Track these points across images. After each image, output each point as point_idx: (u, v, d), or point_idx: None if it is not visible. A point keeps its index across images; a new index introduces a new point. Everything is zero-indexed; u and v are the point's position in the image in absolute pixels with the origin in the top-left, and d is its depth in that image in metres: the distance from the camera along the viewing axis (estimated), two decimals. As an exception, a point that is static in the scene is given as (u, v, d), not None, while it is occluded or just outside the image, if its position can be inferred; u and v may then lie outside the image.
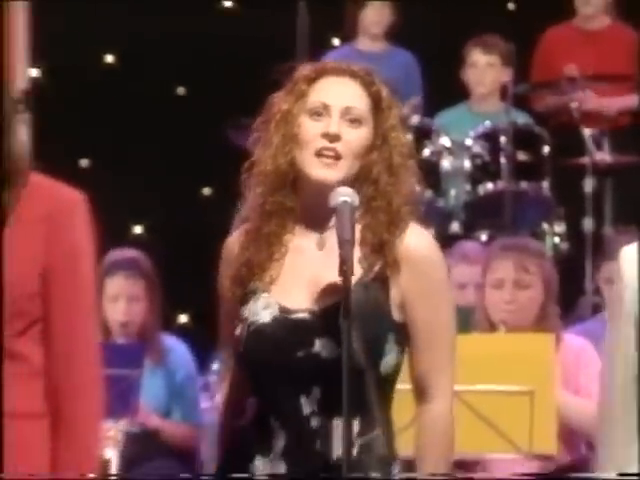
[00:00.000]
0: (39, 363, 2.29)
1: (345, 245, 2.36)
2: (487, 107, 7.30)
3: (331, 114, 2.51)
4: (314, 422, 2.51)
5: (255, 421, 2.60)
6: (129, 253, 5.50)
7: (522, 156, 6.96)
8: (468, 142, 6.85)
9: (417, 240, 2.53)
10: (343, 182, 2.43)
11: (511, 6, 8.16)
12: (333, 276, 2.38)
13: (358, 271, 2.46)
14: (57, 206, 2.33)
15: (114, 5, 8.63)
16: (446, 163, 6.78)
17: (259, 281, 2.57)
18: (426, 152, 6.63)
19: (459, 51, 7.16)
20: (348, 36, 7.69)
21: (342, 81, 2.59)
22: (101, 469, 4.64)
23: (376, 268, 2.52)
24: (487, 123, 7.04)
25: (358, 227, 2.50)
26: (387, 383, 2.53)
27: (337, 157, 2.46)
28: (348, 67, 2.63)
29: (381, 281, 2.53)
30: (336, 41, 8.43)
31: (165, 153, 8.23)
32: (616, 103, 7.35)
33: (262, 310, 2.54)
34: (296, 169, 2.46)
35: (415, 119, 6.84)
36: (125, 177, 7.86)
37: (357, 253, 2.50)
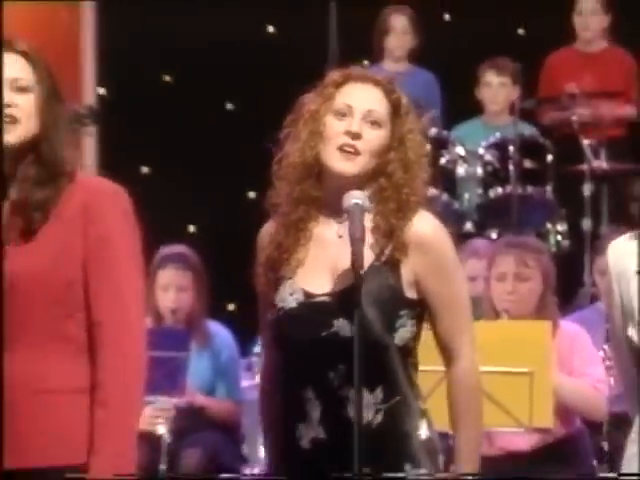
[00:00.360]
0: (83, 343, 2.32)
1: (356, 243, 2.37)
2: (498, 121, 7.22)
3: (354, 115, 2.52)
4: (344, 392, 2.49)
5: (292, 394, 2.60)
6: (178, 249, 5.47)
7: (528, 164, 6.89)
8: (480, 151, 6.83)
9: (424, 224, 2.53)
10: (360, 176, 2.47)
11: (521, 31, 8.01)
12: (349, 262, 2.40)
13: (370, 255, 2.50)
14: (91, 198, 2.42)
15: (170, 29, 8.67)
16: (461, 170, 6.76)
17: (287, 265, 2.59)
18: (443, 160, 6.64)
19: (474, 72, 7.07)
20: (376, 58, 7.44)
21: (366, 87, 2.59)
22: (153, 444, 4.49)
23: (387, 252, 2.53)
24: (497, 134, 6.96)
25: (370, 216, 2.53)
26: (406, 352, 2.54)
27: (356, 153, 2.48)
28: (372, 75, 2.61)
29: (392, 264, 2.54)
30: (366, 63, 8.40)
31: (215, 161, 8.24)
32: (611, 113, 7.15)
33: (289, 296, 2.56)
34: (320, 162, 2.48)
35: (433, 131, 6.61)
36: (180, 182, 7.62)
37: (370, 239, 2.53)
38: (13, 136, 2.44)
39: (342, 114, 2.54)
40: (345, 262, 2.46)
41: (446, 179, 6.61)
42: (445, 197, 6.58)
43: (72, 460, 2.36)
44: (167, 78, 8.33)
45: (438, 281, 2.57)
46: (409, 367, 2.56)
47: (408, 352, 2.56)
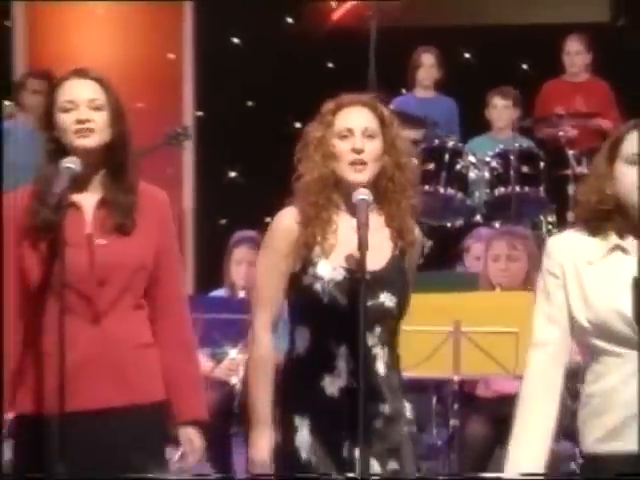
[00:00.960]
0: (152, 311, 2.61)
1: (362, 227, 2.49)
2: (502, 135, 7.15)
3: (354, 134, 2.62)
4: (375, 350, 2.63)
5: (322, 351, 2.68)
6: (251, 233, 5.39)
7: (525, 169, 6.85)
8: (487, 159, 6.78)
9: (418, 231, 2.74)
10: (369, 181, 2.60)
11: (525, 66, 7.97)
12: (371, 247, 2.55)
13: (390, 245, 2.66)
14: (160, 208, 2.68)
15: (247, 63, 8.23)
16: (472, 174, 6.70)
17: (320, 249, 2.65)
18: (458, 166, 6.57)
19: (484, 97, 7.11)
20: (409, 87, 7.58)
21: (356, 109, 2.68)
22: (227, 393, 4.49)
23: (399, 245, 2.66)
24: (501, 146, 6.90)
25: (378, 213, 2.70)
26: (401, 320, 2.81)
27: (363, 164, 2.60)
28: (359, 98, 2.75)
29: (402, 254, 2.67)
30: (403, 90, 8.26)
31: (290, 168, 8.14)
32: (591, 129, 7.27)
33: (332, 270, 2.61)
34: (337, 176, 2.58)
35: (451, 143, 6.71)
36: (260, 183, 7.68)
37: (387, 233, 2.69)
38: (91, 142, 2.59)
39: (344, 136, 2.63)
40: (369, 247, 2.60)
41: (461, 181, 6.56)
42: (460, 195, 6.54)
43: (159, 397, 2.61)
44: (250, 103, 8.41)
45: (412, 269, 2.83)
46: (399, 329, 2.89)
47: (402, 316, 2.77)
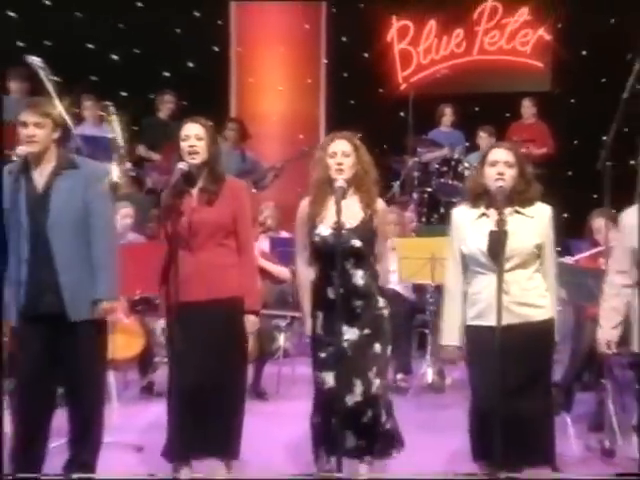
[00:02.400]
0: (234, 248, 3.72)
1: (338, 202, 3.42)
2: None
3: (338, 155, 3.58)
4: (351, 271, 3.64)
5: (324, 274, 3.70)
6: None
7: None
8: (475, 165, 6.17)
9: (381, 203, 3.77)
10: (348, 179, 3.58)
11: (507, 114, 9.34)
12: (347, 215, 3.52)
13: (361, 213, 3.65)
14: (236, 190, 3.75)
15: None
16: (467, 172, 7.93)
17: (318, 218, 3.67)
18: (459, 168, 8.22)
19: (476, 134, 8.66)
20: (437, 125, 9.19)
21: (341, 141, 3.67)
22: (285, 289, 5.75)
23: (369, 212, 3.67)
24: None
25: (354, 195, 3.69)
26: (370, 252, 3.69)
27: (342, 170, 3.59)
28: (342, 134, 3.68)
29: (370, 218, 3.69)
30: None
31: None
32: (536, 151, 8.60)
33: (325, 230, 3.61)
34: (330, 177, 3.59)
35: (456, 155, 8.45)
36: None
37: (359, 206, 3.67)
38: (196, 160, 3.68)
39: (333, 156, 3.58)
40: (346, 215, 3.51)
41: (460, 176, 8.06)
42: (460, 184, 7.82)
43: (228, 294, 3.69)
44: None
45: (382, 228, 3.78)
46: (370, 258, 3.71)
47: (371, 252, 3.71)
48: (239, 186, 3.93)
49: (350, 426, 3.65)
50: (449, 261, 3.63)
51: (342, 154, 3.54)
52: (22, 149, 3.66)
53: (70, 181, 3.68)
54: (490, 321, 3.31)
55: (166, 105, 8.52)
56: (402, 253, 5.46)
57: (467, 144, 8.89)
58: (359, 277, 3.66)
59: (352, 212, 3.62)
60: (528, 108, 8.93)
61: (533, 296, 3.57)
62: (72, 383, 3.83)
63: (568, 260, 5.38)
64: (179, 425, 3.68)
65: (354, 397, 3.58)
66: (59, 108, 4.35)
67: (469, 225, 3.54)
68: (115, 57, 10.06)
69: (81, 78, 8.83)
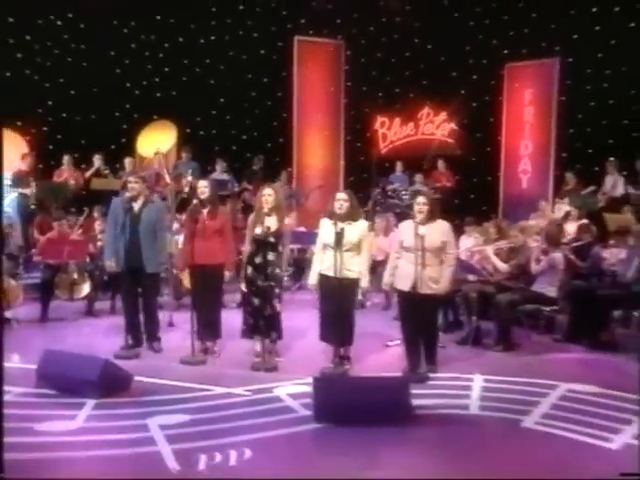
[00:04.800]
0: (222, 239, 6.77)
1: (263, 218, 6.21)
2: (418, 186, 12.71)
3: (265, 196, 6.22)
4: (267, 251, 6.41)
5: (253, 255, 6.43)
6: None
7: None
8: (411, 191, 12.16)
9: (287, 220, 6.31)
10: (270, 208, 6.45)
11: (440, 165, 13.57)
12: (269, 224, 6.36)
13: (277, 223, 6.40)
14: (223, 212, 6.89)
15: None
16: (405, 197, 12.05)
17: (257, 225, 6.36)
18: (401, 195, 11.99)
19: (414, 178, 12.82)
20: (394, 171, 13.05)
21: (266, 190, 6.14)
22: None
23: (279, 225, 6.37)
24: (416, 187, 12.37)
25: (272, 216, 6.47)
26: (278, 243, 6.28)
27: (267, 202, 6.18)
28: (270, 186, 6.21)
29: (280, 227, 6.48)
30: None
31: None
32: (447, 185, 12.74)
33: (259, 230, 6.32)
34: (262, 205, 6.11)
35: (401, 188, 12.23)
36: None
37: (275, 219, 6.42)
38: (203, 197, 6.70)
39: (263, 196, 6.34)
40: (268, 224, 6.38)
41: (401, 200, 11.74)
42: (400, 203, 11.35)
43: (220, 261, 6.81)
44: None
45: (287, 229, 6.26)
46: (278, 247, 6.35)
47: (279, 243, 6.30)
48: (224, 210, 6.67)
49: (257, 318, 6.62)
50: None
51: (267, 195, 6.27)
52: (130, 191, 6.83)
53: (149, 208, 6.80)
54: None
55: (258, 163, 13.27)
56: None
57: (409, 183, 13.10)
58: (271, 255, 6.38)
59: (271, 223, 6.25)
60: (441, 163, 13.45)
61: (355, 264, 6.41)
62: (149, 299, 7.25)
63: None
64: (197, 316, 6.96)
65: (265, 307, 6.61)
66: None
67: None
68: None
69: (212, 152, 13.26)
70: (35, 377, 6.05)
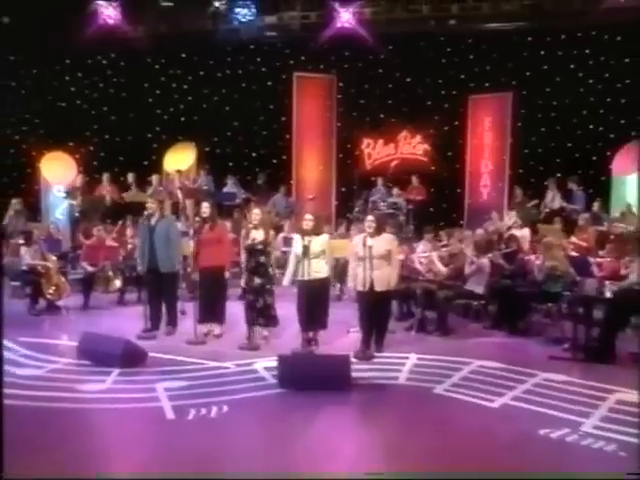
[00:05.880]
0: (221, 246, 7.58)
1: (249, 230, 6.86)
2: (397, 199, 13.25)
3: (253, 215, 6.96)
4: (260, 260, 7.31)
5: (250, 262, 7.38)
6: None
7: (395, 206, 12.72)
8: (390, 202, 12.71)
9: (271, 233, 7.06)
10: (256, 223, 7.27)
11: (414, 180, 13.94)
12: (258, 236, 7.22)
13: (263, 236, 7.25)
14: (221, 226, 7.80)
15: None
16: (383, 208, 12.16)
17: (249, 235, 7.20)
18: (379, 206, 12.20)
19: (393, 191, 13.50)
20: (376, 185, 13.95)
21: (255, 210, 7.00)
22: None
23: (265, 236, 7.21)
24: (393, 200, 12.98)
25: (259, 230, 7.25)
26: (268, 252, 7.14)
27: (256, 220, 7.09)
28: (259, 208, 7.03)
29: (266, 237, 7.28)
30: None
31: None
32: (420, 199, 13.21)
33: (251, 240, 7.25)
34: (251, 221, 6.90)
35: (381, 200, 12.58)
36: None
37: (262, 233, 7.18)
38: (207, 215, 7.53)
39: (252, 215, 6.92)
40: (258, 236, 7.26)
41: (378, 210, 11.60)
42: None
43: (222, 263, 7.70)
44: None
45: (272, 242, 6.97)
46: (270, 256, 7.30)
47: (265, 249, 7.12)
48: (222, 224, 7.48)
49: (251, 310, 7.41)
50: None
51: (255, 214, 7.15)
52: (149, 209, 7.69)
53: (162, 222, 7.68)
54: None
55: (262, 178, 14.42)
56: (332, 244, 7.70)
57: (388, 196, 13.48)
58: (261, 259, 7.27)
59: (258, 235, 7.15)
60: (415, 179, 13.91)
61: (321, 267, 6.94)
62: (166, 293, 8.01)
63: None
64: (201, 305, 7.80)
65: (258, 301, 7.34)
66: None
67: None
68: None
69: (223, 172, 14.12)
70: (76, 352, 7.24)
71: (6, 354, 7.15)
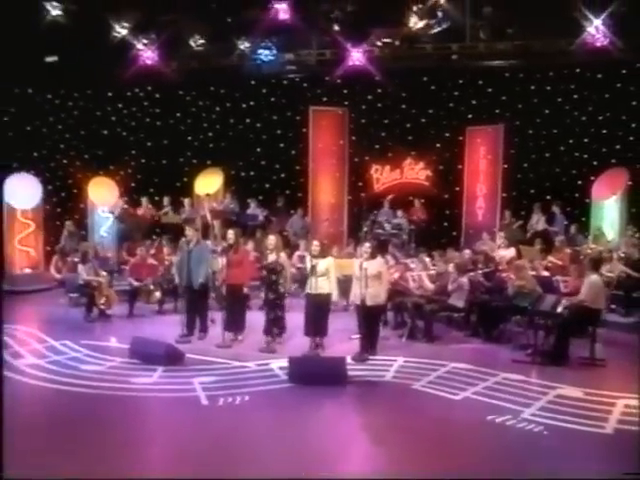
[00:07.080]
0: (243, 267, 8.68)
1: (264, 253, 8.15)
2: (399, 220, 13.90)
3: (269, 241, 8.16)
4: (274, 279, 8.44)
5: (266, 274, 8.58)
6: None
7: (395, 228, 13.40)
8: (394, 224, 13.54)
9: (281, 255, 8.07)
10: (271, 248, 8.36)
11: (417, 203, 14.61)
12: (271, 258, 8.38)
13: (275, 258, 8.39)
14: (244, 250, 8.75)
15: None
16: (387, 228, 13.08)
17: (265, 257, 8.53)
18: (385, 226, 13.08)
19: (396, 213, 13.97)
20: (383, 207, 14.48)
21: (270, 237, 8.06)
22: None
23: (277, 258, 8.23)
24: (396, 221, 13.68)
25: (273, 253, 8.30)
26: (280, 272, 8.07)
27: (271, 244, 8.17)
28: (273, 234, 8.13)
29: (277, 259, 8.21)
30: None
31: None
32: (422, 218, 13.79)
33: (266, 261, 8.55)
34: (267, 247, 7.78)
35: (386, 221, 13.40)
36: None
37: (274, 255, 8.34)
38: (232, 241, 8.52)
39: (268, 240, 8.14)
40: (271, 257, 8.41)
41: (384, 229, 12.62)
42: (384, 232, 12.40)
43: (243, 281, 8.84)
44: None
45: (286, 263, 8.05)
46: (279, 272, 8.37)
47: (278, 269, 8.22)
48: (245, 249, 8.38)
49: (267, 321, 8.32)
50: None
51: (270, 240, 8.16)
52: (188, 236, 8.42)
53: (197, 247, 8.68)
54: (310, 291, 7.70)
55: (281, 200, 15.08)
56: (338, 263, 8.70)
57: (393, 217, 14.21)
58: (273, 277, 8.27)
59: (273, 257, 8.25)
60: (417, 202, 14.65)
61: (325, 285, 7.46)
62: (199, 305, 8.95)
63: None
64: (226, 315, 8.34)
65: (271, 313, 8.36)
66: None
67: (307, 261, 7.69)
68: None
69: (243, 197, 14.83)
70: (128, 352, 8.31)
71: (72, 353, 8.55)
